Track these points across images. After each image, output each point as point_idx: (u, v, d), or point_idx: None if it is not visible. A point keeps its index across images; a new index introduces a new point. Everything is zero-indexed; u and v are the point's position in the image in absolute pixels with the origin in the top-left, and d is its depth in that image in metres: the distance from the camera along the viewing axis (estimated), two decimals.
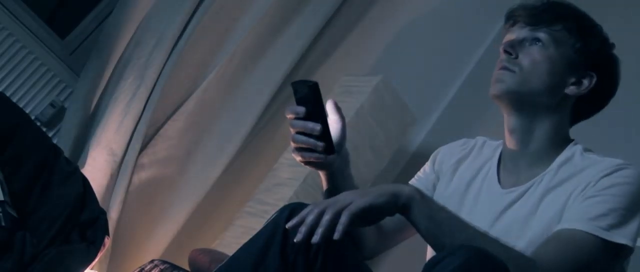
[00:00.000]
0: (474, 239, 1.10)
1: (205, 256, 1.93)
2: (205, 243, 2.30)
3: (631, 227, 1.19)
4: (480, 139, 1.49)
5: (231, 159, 2.35)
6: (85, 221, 1.71)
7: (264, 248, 1.23)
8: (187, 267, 1.95)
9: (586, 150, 1.33)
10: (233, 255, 1.29)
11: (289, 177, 2.30)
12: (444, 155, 1.49)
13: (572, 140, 1.36)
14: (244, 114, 2.38)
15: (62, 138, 2.23)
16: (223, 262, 1.29)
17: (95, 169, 2.15)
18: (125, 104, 2.21)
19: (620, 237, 1.18)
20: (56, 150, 1.76)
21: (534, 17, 1.33)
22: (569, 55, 1.32)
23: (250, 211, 2.33)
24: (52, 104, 2.34)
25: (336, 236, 1.04)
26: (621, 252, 1.20)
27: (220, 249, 2.16)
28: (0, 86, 2.28)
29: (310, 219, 1.06)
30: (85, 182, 1.77)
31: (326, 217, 1.05)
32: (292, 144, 1.32)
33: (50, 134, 2.33)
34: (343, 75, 2.52)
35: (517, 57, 1.31)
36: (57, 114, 2.34)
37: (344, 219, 1.05)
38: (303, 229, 1.05)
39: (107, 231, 1.76)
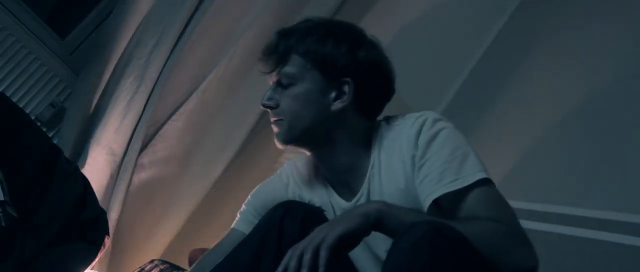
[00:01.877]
0: None
1: None
2: (205, 243, 2.30)
3: (469, 162, 1.22)
4: (284, 173, 1.49)
5: (231, 159, 2.35)
6: (86, 221, 1.71)
7: (260, 247, 1.25)
8: (187, 267, 1.95)
9: (387, 120, 1.35)
10: (229, 254, 1.30)
11: None
12: (258, 203, 1.49)
13: (373, 123, 1.37)
14: (244, 114, 2.38)
15: (62, 138, 2.23)
16: (222, 259, 1.30)
17: (96, 169, 2.15)
18: (126, 104, 2.21)
19: (469, 177, 1.20)
20: (56, 150, 1.76)
21: (270, 61, 1.35)
22: (314, 79, 1.32)
23: None
24: (52, 104, 2.35)
25: (321, 271, 1.06)
26: (486, 183, 1.22)
27: None
28: (0, 86, 2.28)
29: (292, 264, 1.08)
30: (85, 182, 1.77)
31: (306, 257, 1.07)
32: None
33: (50, 134, 2.33)
34: None
35: (278, 106, 1.33)
36: (57, 114, 2.35)
37: (323, 253, 1.07)
38: None
39: (107, 231, 1.76)
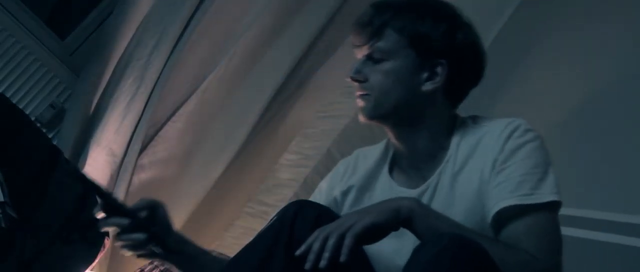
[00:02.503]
0: None
1: None
2: (205, 244, 2.28)
3: (549, 181, 1.20)
4: (352, 159, 1.47)
5: (231, 159, 2.35)
6: (85, 222, 1.71)
7: (270, 247, 1.23)
8: None
9: (474, 119, 1.33)
10: (238, 253, 1.28)
11: (289, 178, 2.30)
12: (324, 191, 1.46)
13: (458, 117, 1.35)
14: (244, 115, 2.37)
15: (62, 139, 2.23)
16: (229, 260, 1.29)
17: (95, 169, 2.15)
18: (125, 104, 2.21)
19: (544, 196, 1.18)
20: (56, 151, 1.76)
21: (363, 34, 1.32)
22: (409, 57, 1.29)
23: (251, 212, 2.32)
24: (52, 105, 2.35)
25: (342, 258, 1.07)
26: (554, 208, 1.20)
27: (220, 249, 2.15)
28: (0, 87, 2.28)
29: (316, 245, 1.08)
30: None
31: (331, 242, 1.08)
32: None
33: (50, 135, 2.33)
34: (343, 76, 2.51)
35: (366, 80, 1.31)
36: (57, 115, 2.35)
37: (348, 241, 1.07)
38: (311, 257, 1.08)
39: (107, 232, 1.76)
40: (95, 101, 2.28)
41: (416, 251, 1.06)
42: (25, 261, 1.57)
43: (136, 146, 2.20)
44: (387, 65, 1.29)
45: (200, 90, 2.32)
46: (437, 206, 1.27)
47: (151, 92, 2.23)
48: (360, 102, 1.32)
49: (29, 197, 1.66)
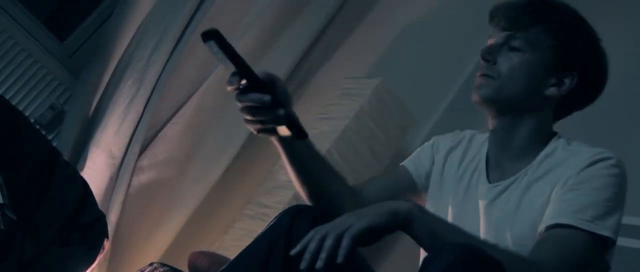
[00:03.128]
0: None
1: (204, 258, 1.92)
2: (204, 246, 2.30)
3: (613, 218, 1.19)
4: (468, 133, 1.49)
5: (231, 161, 2.35)
6: (85, 224, 1.71)
7: (267, 253, 1.23)
8: (186, 270, 1.94)
9: (569, 142, 1.33)
10: (235, 258, 1.28)
11: (288, 180, 2.27)
12: (440, 144, 1.50)
13: (556, 133, 1.36)
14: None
15: (62, 141, 2.23)
16: (225, 266, 1.29)
17: (95, 171, 2.15)
18: (125, 106, 2.21)
19: (603, 229, 1.18)
20: (55, 152, 1.76)
21: (511, 21, 1.32)
22: (547, 57, 1.30)
23: (250, 214, 2.32)
24: (51, 107, 2.34)
25: (339, 259, 1.06)
26: (605, 245, 1.21)
27: (220, 251, 2.15)
28: None
29: (312, 245, 1.08)
30: (84, 184, 1.77)
31: (328, 242, 1.07)
32: (245, 117, 1.22)
33: (49, 137, 2.33)
34: (343, 78, 2.52)
35: (495, 63, 1.31)
36: (57, 117, 2.35)
37: (345, 242, 1.07)
38: (307, 257, 1.07)
39: (106, 234, 1.76)
40: (94, 103, 2.28)
41: (428, 261, 1.06)
42: (24, 263, 1.57)
43: (136, 148, 2.20)
44: (524, 57, 1.30)
45: (200, 92, 2.32)
46: (502, 205, 1.30)
47: (151, 94, 2.23)
48: (480, 81, 1.32)
49: (28, 199, 1.65)
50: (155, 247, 2.24)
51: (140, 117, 2.22)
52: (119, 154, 2.18)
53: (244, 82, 1.17)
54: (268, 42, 2.40)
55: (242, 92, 1.19)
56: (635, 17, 2.19)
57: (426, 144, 1.52)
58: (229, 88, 1.20)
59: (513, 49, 1.31)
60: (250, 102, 1.18)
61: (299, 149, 1.32)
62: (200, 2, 2.28)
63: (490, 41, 1.34)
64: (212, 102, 2.34)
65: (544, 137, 1.34)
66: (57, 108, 2.35)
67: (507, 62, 1.31)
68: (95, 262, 1.72)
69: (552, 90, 1.31)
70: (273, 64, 2.40)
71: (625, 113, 1.89)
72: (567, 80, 1.31)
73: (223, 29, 2.42)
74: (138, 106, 2.21)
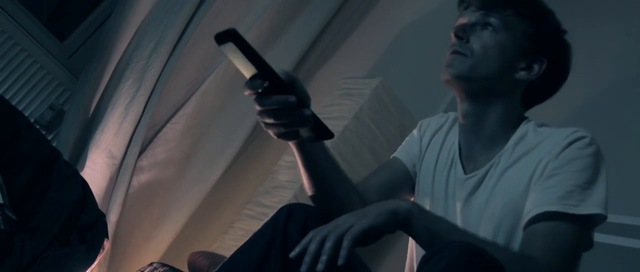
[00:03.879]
0: None
1: (204, 258, 1.92)
2: (204, 246, 2.30)
3: (598, 195, 1.20)
4: (452, 115, 1.50)
5: (230, 161, 2.35)
6: (85, 224, 1.70)
7: (265, 250, 1.23)
8: (186, 270, 1.94)
9: (540, 125, 1.34)
10: (232, 256, 1.28)
11: (288, 180, 2.30)
12: (425, 127, 1.52)
13: (526, 118, 1.37)
14: (243, 117, 2.38)
15: (62, 141, 2.23)
16: (221, 264, 1.29)
17: (95, 172, 2.15)
18: (125, 106, 2.21)
19: (592, 208, 1.19)
20: (55, 153, 1.76)
21: (486, 1, 1.33)
22: (519, 41, 1.32)
23: (250, 214, 2.32)
24: (51, 107, 2.34)
25: (340, 261, 1.05)
26: (595, 222, 1.22)
27: (220, 251, 2.15)
28: None
29: (312, 247, 1.07)
30: (84, 185, 1.77)
31: (328, 245, 1.06)
32: (267, 121, 1.15)
33: (49, 137, 2.33)
34: (342, 78, 2.52)
35: (468, 42, 1.32)
36: (57, 117, 2.34)
37: (346, 243, 1.06)
38: (307, 259, 1.06)
39: (106, 234, 1.76)
40: (94, 103, 2.28)
41: (426, 260, 1.06)
42: (24, 263, 1.56)
43: (135, 148, 2.20)
44: (498, 37, 1.31)
45: (200, 93, 2.32)
46: (481, 194, 1.31)
47: (150, 94, 2.23)
48: (451, 59, 1.32)
49: (28, 199, 1.65)
50: (155, 247, 2.25)
51: (140, 118, 2.22)
52: (118, 154, 2.18)
53: (266, 84, 1.09)
54: (268, 43, 2.40)
55: (263, 94, 1.11)
56: (635, 17, 2.19)
57: (414, 130, 1.53)
58: (248, 92, 1.11)
59: (487, 26, 1.32)
60: (274, 104, 1.11)
61: (316, 152, 1.31)
62: (200, 3, 2.28)
63: (462, 20, 1.35)
64: (212, 103, 2.34)
65: (514, 121, 1.35)
66: (56, 108, 2.35)
67: (480, 41, 1.31)
68: (95, 263, 1.72)
69: (522, 74, 1.33)
70: (273, 64, 2.40)
71: (625, 113, 1.89)
72: (536, 66, 1.33)
73: (222, 29, 2.43)
74: (138, 106, 2.21)
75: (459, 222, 1.32)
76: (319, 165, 1.31)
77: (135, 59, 2.25)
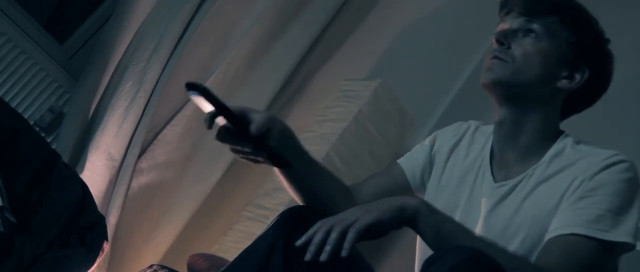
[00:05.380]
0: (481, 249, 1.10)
1: (204, 260, 1.92)
2: (204, 248, 2.29)
3: (629, 223, 1.18)
4: (473, 124, 1.47)
5: (230, 163, 2.35)
6: (84, 226, 1.71)
7: (268, 253, 1.23)
8: None
9: (578, 142, 1.31)
10: (236, 258, 1.27)
11: None
12: (442, 140, 1.47)
13: (563, 132, 1.35)
14: None
15: (61, 143, 2.23)
16: (225, 267, 1.28)
17: (94, 174, 2.15)
18: (124, 108, 2.21)
19: (621, 235, 1.17)
20: (55, 155, 1.76)
21: (528, 7, 1.31)
22: (562, 49, 1.30)
23: (250, 216, 2.32)
24: (50, 109, 2.34)
25: (344, 253, 1.05)
26: (623, 249, 1.20)
27: (220, 253, 2.15)
28: None
29: (317, 237, 1.07)
30: (84, 187, 1.77)
31: (333, 236, 1.06)
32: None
33: (49, 139, 2.32)
34: (341, 80, 2.52)
35: (509, 48, 1.30)
36: (56, 119, 2.34)
37: (350, 236, 1.06)
38: (312, 248, 1.07)
39: (105, 236, 1.76)
40: (94, 105, 2.28)
41: (430, 262, 1.05)
42: (24, 265, 1.57)
43: (135, 150, 2.20)
44: (540, 44, 1.28)
45: None
46: (509, 204, 1.28)
47: (150, 96, 2.23)
48: (492, 64, 1.30)
49: (27, 201, 1.66)
50: (155, 249, 2.24)
51: (140, 119, 2.22)
52: (118, 156, 2.18)
53: (224, 122, 1.22)
54: (267, 45, 2.40)
55: (223, 134, 1.24)
56: (635, 17, 2.19)
57: (427, 140, 1.49)
58: (208, 127, 1.22)
59: (529, 33, 1.30)
60: (234, 150, 1.25)
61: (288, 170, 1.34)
62: (200, 4, 2.28)
63: (503, 26, 1.33)
64: None
65: (551, 134, 1.32)
66: (56, 110, 2.34)
67: (521, 48, 1.29)
68: (95, 265, 1.72)
69: (563, 83, 1.30)
70: (272, 65, 2.41)
71: (625, 114, 1.89)
72: (578, 75, 1.30)
73: (222, 31, 2.44)
74: (137, 108, 2.21)
75: (479, 230, 1.29)
76: (294, 174, 1.33)
77: (135, 60, 2.25)
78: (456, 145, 1.44)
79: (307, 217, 1.23)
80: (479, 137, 1.42)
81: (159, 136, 2.28)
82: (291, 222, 1.24)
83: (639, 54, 1.90)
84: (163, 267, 1.88)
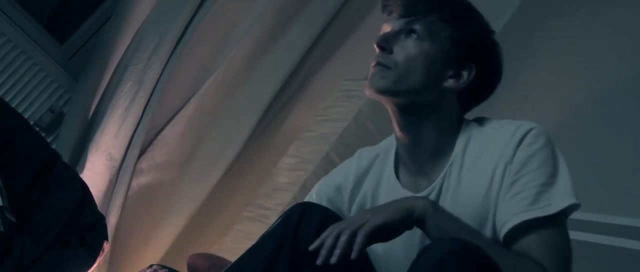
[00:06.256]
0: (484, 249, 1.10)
1: (204, 260, 1.92)
2: (204, 248, 2.30)
3: (564, 185, 1.18)
4: (355, 157, 1.44)
5: (230, 163, 2.35)
6: (84, 226, 1.71)
7: (276, 249, 1.22)
8: None
9: (480, 122, 1.30)
10: (243, 255, 1.26)
11: (288, 182, 2.29)
12: (366, 156, 1.44)
13: (464, 120, 1.32)
14: (242, 119, 2.38)
15: (61, 143, 2.23)
16: (231, 264, 1.28)
17: (94, 174, 2.15)
18: (124, 109, 2.21)
19: (563, 201, 1.17)
20: (55, 155, 1.76)
21: (408, 8, 1.28)
22: (445, 47, 1.27)
23: (249, 216, 2.32)
24: (51, 109, 2.34)
25: (353, 255, 1.07)
26: (572, 210, 1.19)
27: (219, 253, 2.15)
28: None
29: (328, 241, 1.09)
30: (84, 187, 1.77)
31: (342, 239, 1.08)
32: None
33: (49, 139, 2.33)
34: (341, 80, 2.52)
35: (391, 53, 1.27)
36: (56, 119, 2.35)
37: (360, 239, 1.08)
38: (323, 253, 1.09)
39: (106, 236, 1.76)
40: (94, 105, 2.28)
41: (420, 254, 1.07)
42: (24, 265, 1.56)
43: (135, 150, 2.20)
44: (422, 46, 1.25)
45: (199, 95, 2.32)
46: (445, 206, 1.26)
47: (150, 96, 2.23)
48: (374, 71, 1.27)
49: (27, 201, 1.65)
50: (155, 249, 2.25)
51: (140, 120, 2.22)
52: (118, 156, 2.18)
53: None
54: (267, 45, 2.40)
55: None
56: (635, 17, 2.19)
57: (353, 158, 1.46)
58: None
59: (411, 33, 1.26)
60: None
61: None
62: (200, 4, 2.28)
63: (385, 29, 1.30)
64: (211, 105, 2.34)
65: (455, 127, 1.30)
66: (56, 111, 2.35)
67: (404, 51, 1.26)
68: (95, 265, 1.72)
69: (450, 82, 1.27)
70: (272, 65, 2.41)
71: (626, 114, 1.89)
72: (464, 73, 1.28)
73: (222, 31, 2.45)
74: (137, 109, 2.21)
75: (421, 246, 1.25)
76: None
77: (135, 61, 2.25)
78: (374, 160, 1.41)
79: (313, 215, 1.24)
80: (365, 161, 1.40)
81: (159, 137, 2.29)
82: (298, 219, 1.24)
83: (639, 54, 1.90)
84: (163, 267, 1.88)
